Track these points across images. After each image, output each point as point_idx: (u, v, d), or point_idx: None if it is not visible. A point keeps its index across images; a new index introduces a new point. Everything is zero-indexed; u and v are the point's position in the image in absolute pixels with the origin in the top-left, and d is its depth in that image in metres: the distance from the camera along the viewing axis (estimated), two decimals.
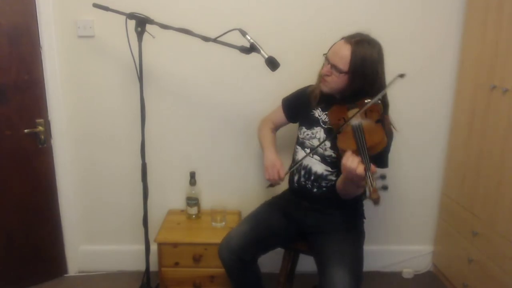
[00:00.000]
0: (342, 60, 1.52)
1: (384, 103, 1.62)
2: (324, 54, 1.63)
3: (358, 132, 1.46)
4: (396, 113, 2.21)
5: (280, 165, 1.68)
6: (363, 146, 1.40)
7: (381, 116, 1.55)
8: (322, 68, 1.62)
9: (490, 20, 1.89)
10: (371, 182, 1.28)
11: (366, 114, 1.52)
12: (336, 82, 1.58)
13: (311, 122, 1.72)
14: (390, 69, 2.15)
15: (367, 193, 1.28)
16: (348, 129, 1.51)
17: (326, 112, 1.68)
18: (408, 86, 2.21)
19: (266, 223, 1.76)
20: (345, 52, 1.51)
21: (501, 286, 1.80)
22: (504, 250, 1.79)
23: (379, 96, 1.49)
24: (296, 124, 1.85)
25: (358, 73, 1.52)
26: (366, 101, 1.52)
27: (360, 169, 1.31)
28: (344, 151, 1.44)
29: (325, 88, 1.63)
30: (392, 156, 1.99)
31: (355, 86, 1.55)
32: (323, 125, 1.69)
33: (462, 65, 2.14)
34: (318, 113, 1.72)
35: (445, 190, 2.32)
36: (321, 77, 1.62)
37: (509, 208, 1.77)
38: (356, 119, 1.50)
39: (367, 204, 1.84)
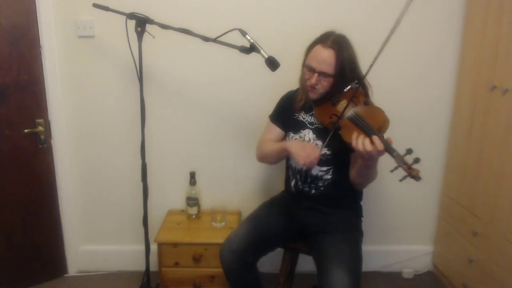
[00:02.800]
0: (330, 66, 1.55)
1: (364, 86, 1.63)
2: (303, 64, 1.63)
3: (358, 120, 1.47)
4: (397, 113, 2.22)
5: (311, 145, 1.58)
6: (371, 129, 1.40)
7: (365, 97, 1.58)
8: (308, 78, 1.60)
9: (490, 20, 1.89)
10: (403, 162, 1.28)
11: (354, 102, 1.54)
12: (324, 87, 1.60)
13: (297, 126, 1.73)
14: (390, 69, 2.17)
15: (405, 173, 1.28)
16: (346, 122, 1.51)
17: (311, 113, 1.70)
18: (408, 86, 2.21)
19: (266, 224, 1.76)
20: (330, 57, 1.54)
21: (501, 286, 1.80)
22: (504, 250, 1.79)
23: (372, 63, 1.44)
24: None
25: (343, 74, 1.55)
26: (345, 90, 1.54)
27: (379, 146, 1.32)
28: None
29: (315, 96, 1.64)
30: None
31: (341, 85, 1.56)
32: (311, 126, 1.70)
33: (462, 65, 2.14)
34: (302, 116, 1.73)
35: (445, 190, 2.32)
36: (308, 87, 1.62)
37: (509, 208, 1.76)
38: (349, 110, 1.51)
39: (366, 204, 1.85)
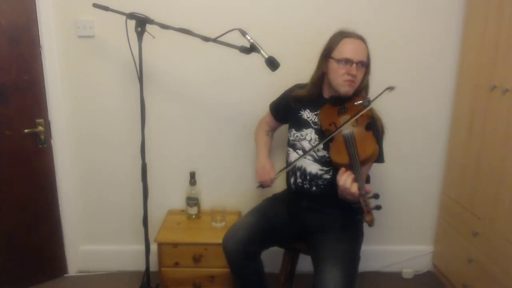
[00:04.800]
0: (365, 55, 1.61)
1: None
2: (325, 58, 1.64)
3: (350, 142, 1.48)
4: (397, 113, 2.23)
5: (270, 168, 1.75)
6: (355, 159, 1.42)
7: (370, 118, 1.57)
8: (345, 71, 1.57)
9: (490, 20, 1.89)
10: (365, 203, 1.31)
11: (356, 120, 1.54)
12: (359, 79, 1.62)
13: (300, 124, 1.73)
14: (390, 69, 2.17)
15: (362, 215, 1.32)
16: (339, 137, 1.52)
17: (316, 113, 1.70)
18: (408, 86, 2.21)
19: (271, 216, 1.76)
20: (363, 46, 1.61)
21: (501, 286, 1.80)
22: (504, 250, 1.79)
23: (368, 107, 1.51)
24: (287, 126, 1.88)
25: (369, 64, 1.64)
26: (356, 103, 1.54)
27: (354, 188, 1.34)
28: (337, 164, 1.47)
29: (351, 90, 1.62)
30: (393, 156, 1.99)
31: (366, 79, 1.64)
32: (314, 126, 1.70)
33: (462, 65, 2.14)
34: (306, 114, 1.73)
35: (445, 190, 2.32)
36: (345, 81, 1.59)
37: (509, 208, 1.77)
38: (348, 127, 1.52)
39: None
